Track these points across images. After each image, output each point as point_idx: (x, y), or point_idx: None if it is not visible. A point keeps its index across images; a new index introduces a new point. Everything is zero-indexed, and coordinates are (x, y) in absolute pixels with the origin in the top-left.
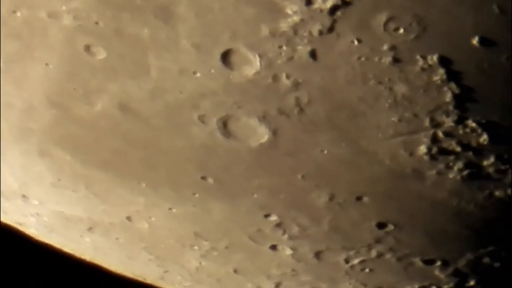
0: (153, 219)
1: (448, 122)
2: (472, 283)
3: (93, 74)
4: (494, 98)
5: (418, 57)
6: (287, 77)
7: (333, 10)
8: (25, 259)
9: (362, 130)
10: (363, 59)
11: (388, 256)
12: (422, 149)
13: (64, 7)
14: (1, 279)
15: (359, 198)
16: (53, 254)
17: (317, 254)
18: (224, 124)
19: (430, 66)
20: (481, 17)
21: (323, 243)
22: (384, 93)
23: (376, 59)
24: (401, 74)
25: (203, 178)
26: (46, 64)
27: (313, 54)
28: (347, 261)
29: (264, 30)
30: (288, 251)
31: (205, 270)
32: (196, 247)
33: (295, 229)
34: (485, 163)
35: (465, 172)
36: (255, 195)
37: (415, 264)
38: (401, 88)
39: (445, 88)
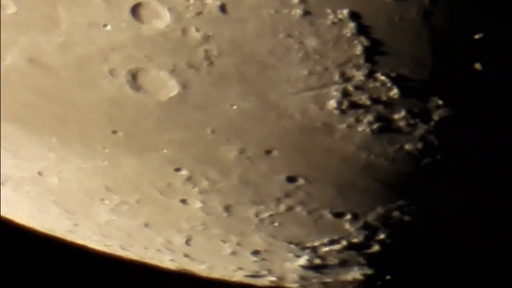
0: (63, 173)
1: (359, 75)
2: (382, 236)
3: (3, 28)
4: (404, 52)
5: (328, 10)
6: (197, 30)
7: None
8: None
9: (272, 84)
10: (272, 12)
11: (297, 209)
12: (332, 103)
13: None
14: None
15: (268, 152)
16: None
17: (227, 208)
18: (134, 78)
19: (340, 20)
20: None
21: (232, 197)
22: (294, 46)
23: (286, 12)
24: (311, 27)
25: (113, 132)
26: None
27: (222, 8)
28: (256, 214)
29: None
30: (198, 205)
31: (115, 224)
32: (106, 201)
33: (205, 183)
34: (395, 116)
35: (375, 126)
36: (165, 150)
37: (325, 218)
38: (311, 42)
39: (355, 42)
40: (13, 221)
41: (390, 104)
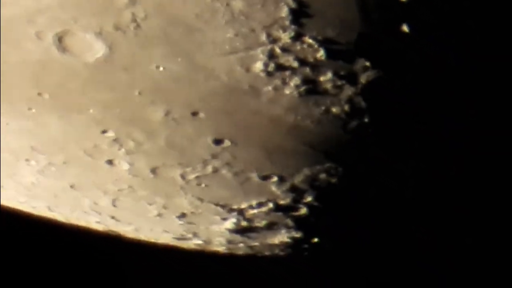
0: None
1: (285, 37)
2: (309, 199)
3: None
4: (331, 14)
5: None
6: None
7: None
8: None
9: (199, 46)
10: None
11: (224, 171)
12: (259, 65)
13: None
14: None
15: (195, 114)
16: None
17: (153, 170)
18: (60, 40)
19: None
20: None
21: (159, 159)
22: (221, 8)
23: None
24: None
25: (39, 94)
26: None
27: None
28: (183, 176)
29: None
30: (125, 166)
31: (41, 185)
32: (32, 162)
33: (131, 145)
34: (322, 78)
35: (302, 88)
36: (91, 111)
37: (251, 180)
38: (237, 3)
39: (282, 4)
40: None
41: (316, 67)
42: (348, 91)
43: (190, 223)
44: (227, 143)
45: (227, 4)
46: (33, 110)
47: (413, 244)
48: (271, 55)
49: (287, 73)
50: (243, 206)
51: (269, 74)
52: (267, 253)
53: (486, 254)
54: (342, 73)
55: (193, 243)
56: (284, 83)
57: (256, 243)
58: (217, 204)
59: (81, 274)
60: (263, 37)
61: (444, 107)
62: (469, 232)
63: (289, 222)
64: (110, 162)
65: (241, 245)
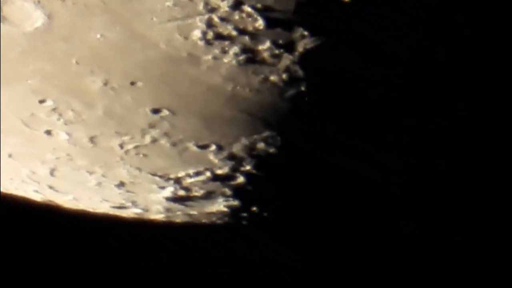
0: None
1: (223, 6)
2: (247, 167)
3: None
4: None
5: None
6: None
7: None
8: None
9: (137, 14)
10: None
11: (162, 141)
12: (197, 33)
13: None
14: None
15: (133, 83)
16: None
17: (92, 139)
18: None
19: None
20: None
21: (97, 128)
22: None
23: None
24: None
25: None
26: None
27: None
28: (121, 146)
29: None
30: (63, 136)
31: None
32: None
33: (69, 114)
34: (260, 48)
35: (241, 57)
36: (29, 80)
37: (190, 149)
38: None
39: None
40: None
41: (255, 35)
42: (286, 60)
43: (129, 191)
44: (165, 112)
45: None
46: None
47: (402, 239)
48: (210, 24)
49: (226, 42)
50: (181, 175)
51: (208, 42)
52: (205, 221)
53: (475, 250)
54: (280, 42)
55: (132, 212)
56: (223, 52)
57: (194, 212)
58: (155, 174)
59: (81, 274)
60: (201, 6)
61: (383, 80)
62: (459, 228)
63: (227, 191)
64: (48, 132)
65: (179, 213)
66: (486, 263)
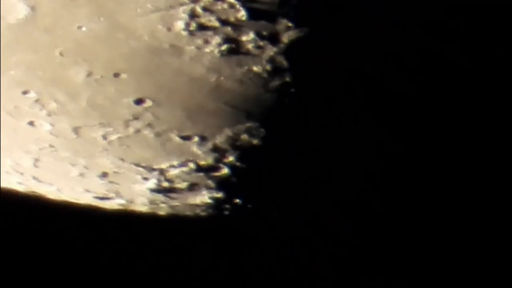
0: None
1: None
2: (230, 158)
3: None
4: None
5: None
6: None
7: None
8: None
9: (120, 5)
10: None
11: (145, 132)
12: (180, 24)
13: None
14: None
15: (117, 75)
16: None
17: (75, 130)
18: None
19: None
20: None
21: (81, 119)
22: None
23: None
24: None
25: None
26: None
27: None
28: (105, 137)
29: None
30: (47, 127)
31: None
32: None
33: (53, 105)
34: (244, 38)
35: (224, 48)
36: (13, 72)
37: (173, 140)
38: None
39: None
40: None
41: (238, 26)
42: (270, 51)
43: (112, 182)
44: (148, 103)
45: None
46: None
47: (394, 236)
48: (192, 14)
49: (209, 32)
50: (164, 166)
51: (191, 33)
52: (189, 213)
53: (469, 252)
54: (264, 33)
55: (116, 203)
56: (206, 42)
57: (178, 203)
58: (138, 165)
59: (64, 265)
60: None
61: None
62: (458, 228)
63: (210, 182)
64: (31, 123)
65: (163, 205)
66: (486, 263)
